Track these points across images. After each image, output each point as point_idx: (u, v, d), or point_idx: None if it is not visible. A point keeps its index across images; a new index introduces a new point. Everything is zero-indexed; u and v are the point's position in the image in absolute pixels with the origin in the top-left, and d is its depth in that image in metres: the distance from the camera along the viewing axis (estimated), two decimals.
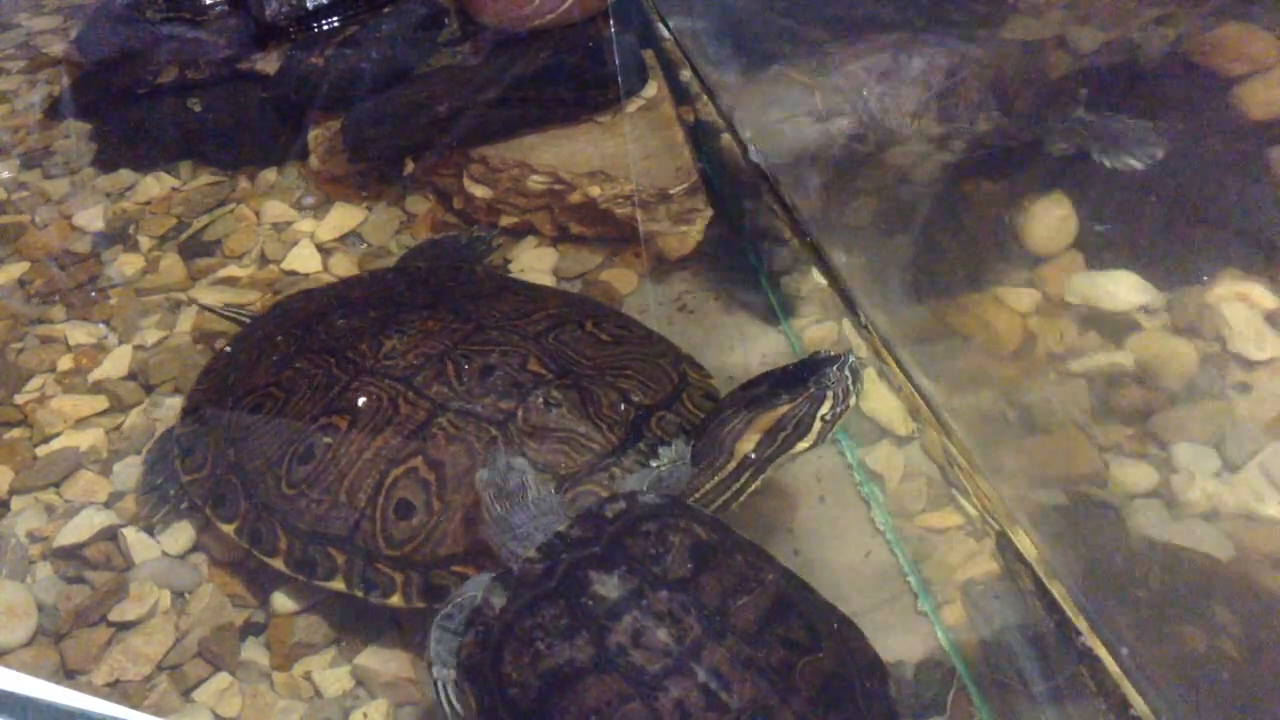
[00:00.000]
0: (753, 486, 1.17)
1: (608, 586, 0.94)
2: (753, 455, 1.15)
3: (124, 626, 1.25)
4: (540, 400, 1.21)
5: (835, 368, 1.14)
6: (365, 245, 1.78)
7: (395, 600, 1.16)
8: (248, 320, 1.58)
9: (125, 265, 1.79)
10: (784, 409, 1.14)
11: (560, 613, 0.94)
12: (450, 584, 1.13)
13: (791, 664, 0.91)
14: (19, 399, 1.57)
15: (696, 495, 1.16)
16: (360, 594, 1.17)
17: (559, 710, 0.90)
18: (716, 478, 1.16)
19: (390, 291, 1.52)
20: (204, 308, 1.66)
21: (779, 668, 0.90)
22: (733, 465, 1.15)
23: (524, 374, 1.24)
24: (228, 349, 1.49)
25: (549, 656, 0.92)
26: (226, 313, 1.62)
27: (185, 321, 1.67)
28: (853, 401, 1.16)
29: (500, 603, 0.98)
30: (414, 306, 1.39)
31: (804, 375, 1.15)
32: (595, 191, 1.70)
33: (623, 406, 1.23)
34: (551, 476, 1.15)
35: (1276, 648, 1.07)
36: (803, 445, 1.16)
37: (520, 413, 1.20)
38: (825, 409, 1.14)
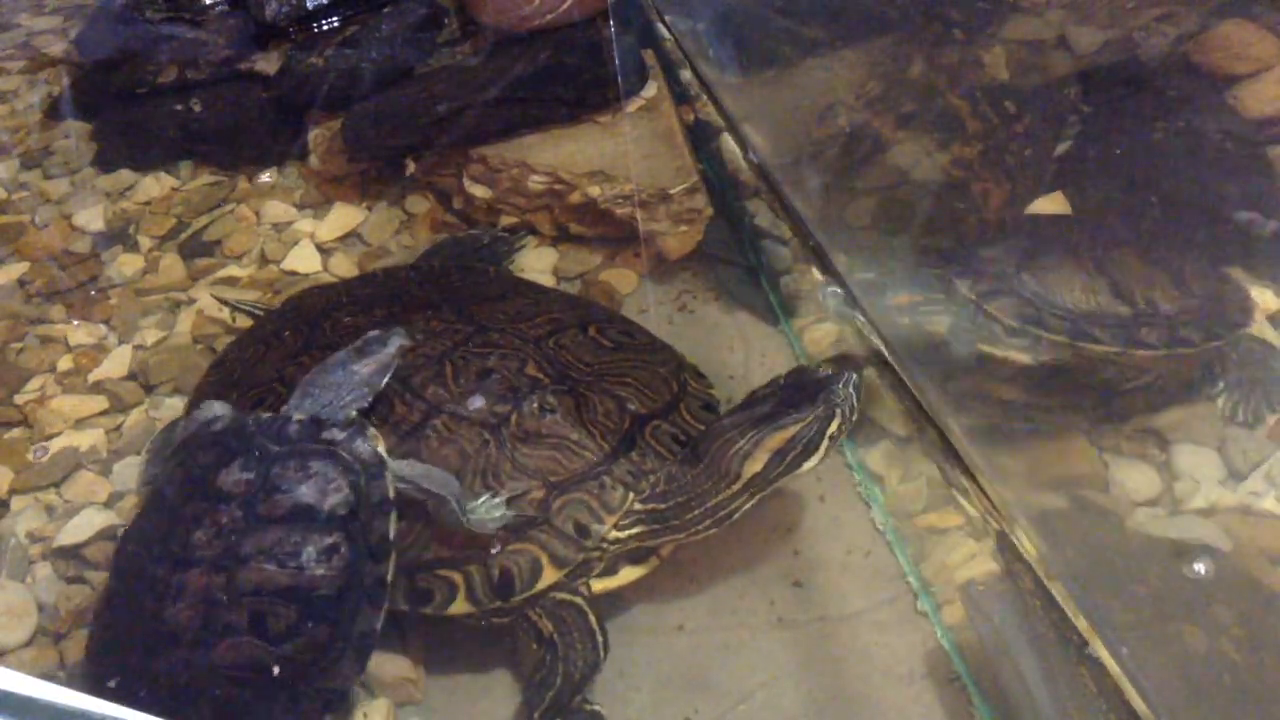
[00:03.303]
0: (751, 504, 1.17)
1: (225, 475, 1.12)
2: (760, 475, 1.14)
3: None
4: (535, 405, 1.21)
5: (842, 385, 1.14)
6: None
7: None
8: (259, 314, 1.59)
9: (125, 265, 1.79)
10: (794, 429, 1.13)
11: (209, 459, 1.14)
12: (434, 587, 1.14)
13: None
14: (19, 399, 1.57)
15: (698, 510, 1.16)
16: None
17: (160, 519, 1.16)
18: (721, 495, 1.15)
19: (399, 290, 1.52)
20: (219, 300, 1.66)
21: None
22: (739, 485, 1.15)
23: (521, 378, 1.24)
24: (237, 342, 1.49)
25: (184, 483, 1.15)
26: (241, 306, 1.63)
27: (185, 321, 1.67)
28: (856, 418, 1.16)
29: (220, 426, 1.17)
30: (420, 306, 1.39)
31: (810, 393, 1.14)
32: (595, 191, 1.70)
33: (618, 414, 1.23)
34: (542, 481, 1.15)
35: (1276, 646, 1.07)
36: (809, 464, 1.15)
37: (514, 417, 1.20)
38: (833, 427, 1.14)
